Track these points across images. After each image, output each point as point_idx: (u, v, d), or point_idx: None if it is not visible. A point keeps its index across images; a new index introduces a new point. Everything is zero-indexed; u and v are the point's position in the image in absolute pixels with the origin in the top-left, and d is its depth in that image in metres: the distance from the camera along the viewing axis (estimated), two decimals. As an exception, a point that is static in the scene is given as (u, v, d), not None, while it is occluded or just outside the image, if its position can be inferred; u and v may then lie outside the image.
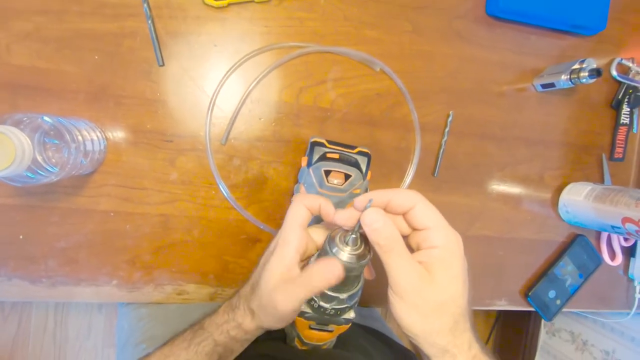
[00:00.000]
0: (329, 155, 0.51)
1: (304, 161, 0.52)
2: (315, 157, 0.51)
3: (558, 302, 0.67)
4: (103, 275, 0.52)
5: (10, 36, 0.48)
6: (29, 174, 0.39)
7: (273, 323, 0.38)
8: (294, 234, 0.36)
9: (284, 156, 0.56)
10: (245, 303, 0.40)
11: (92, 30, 0.50)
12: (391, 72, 0.58)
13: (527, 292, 0.66)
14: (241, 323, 0.40)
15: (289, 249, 0.36)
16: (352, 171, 0.51)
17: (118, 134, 0.51)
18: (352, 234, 0.34)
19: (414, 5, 0.59)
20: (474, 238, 0.64)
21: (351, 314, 0.39)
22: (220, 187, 0.54)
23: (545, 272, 0.66)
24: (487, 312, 1.50)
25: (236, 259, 0.56)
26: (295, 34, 0.55)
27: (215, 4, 0.52)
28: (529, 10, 0.60)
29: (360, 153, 0.52)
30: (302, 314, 0.38)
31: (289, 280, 0.35)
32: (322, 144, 0.51)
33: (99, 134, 0.49)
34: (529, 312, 1.14)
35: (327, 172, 0.50)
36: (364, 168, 0.52)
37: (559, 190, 0.67)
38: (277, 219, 0.57)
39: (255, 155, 0.55)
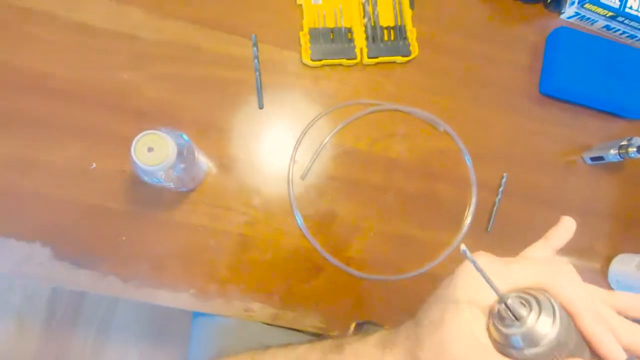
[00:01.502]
0: None
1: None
2: None
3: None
4: (183, 284, 0.58)
5: (146, 75, 0.60)
6: (158, 179, 0.47)
7: None
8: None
9: (353, 196, 0.63)
10: (405, 342, 0.31)
11: (212, 75, 0.61)
12: (453, 133, 0.66)
13: None
14: None
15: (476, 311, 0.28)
16: None
17: (217, 161, 0.60)
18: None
19: (477, 81, 0.69)
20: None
21: None
22: (297, 216, 0.60)
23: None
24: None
25: (300, 284, 0.61)
26: (373, 93, 0.65)
27: (311, 63, 0.62)
28: (578, 91, 0.68)
29: None
30: None
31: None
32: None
33: (204, 158, 0.58)
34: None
35: None
36: None
37: (608, 260, 0.69)
38: (339, 252, 0.62)
39: (328, 192, 0.62)
